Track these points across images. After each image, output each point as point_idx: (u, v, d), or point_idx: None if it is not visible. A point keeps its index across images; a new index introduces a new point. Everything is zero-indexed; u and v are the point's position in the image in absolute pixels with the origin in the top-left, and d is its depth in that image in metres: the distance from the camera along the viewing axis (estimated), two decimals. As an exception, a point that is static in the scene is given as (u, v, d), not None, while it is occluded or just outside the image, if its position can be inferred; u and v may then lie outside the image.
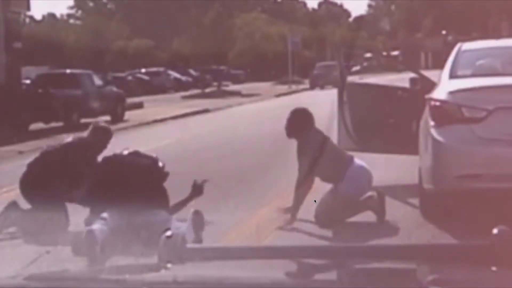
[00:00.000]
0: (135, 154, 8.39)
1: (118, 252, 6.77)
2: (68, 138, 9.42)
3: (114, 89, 27.67)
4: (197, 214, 7.74)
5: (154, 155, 8.51)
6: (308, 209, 9.03)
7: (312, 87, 47.61)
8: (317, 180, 10.89)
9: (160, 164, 8.24)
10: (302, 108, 8.92)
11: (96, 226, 7.35)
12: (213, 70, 54.38)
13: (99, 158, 8.71)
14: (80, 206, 8.23)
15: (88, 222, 7.60)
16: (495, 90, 7.89)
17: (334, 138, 10.80)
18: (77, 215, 8.19)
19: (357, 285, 2.56)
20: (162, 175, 8.17)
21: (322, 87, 45.98)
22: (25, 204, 8.76)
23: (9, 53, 25.55)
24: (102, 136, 8.99)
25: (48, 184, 8.52)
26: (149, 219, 7.58)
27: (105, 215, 7.52)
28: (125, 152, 8.35)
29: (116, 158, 8.30)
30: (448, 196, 7.99)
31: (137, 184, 7.89)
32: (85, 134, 9.18)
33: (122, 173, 8.02)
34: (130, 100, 30.06)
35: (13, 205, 8.73)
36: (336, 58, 13.35)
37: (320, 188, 10.31)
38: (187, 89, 48.77)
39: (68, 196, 8.45)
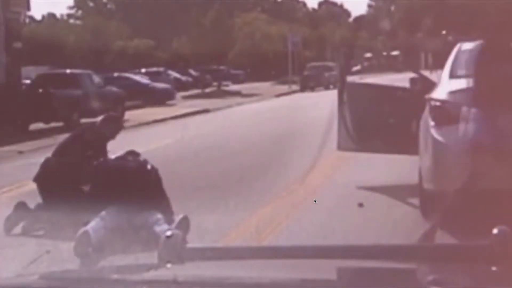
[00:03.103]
0: (123, 158, 8.38)
1: (116, 251, 6.79)
2: (79, 130, 9.48)
3: (114, 89, 27.69)
4: (185, 220, 7.71)
5: (142, 158, 8.51)
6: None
7: (302, 89, 45.87)
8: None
9: (148, 166, 8.23)
10: None
11: (92, 224, 7.37)
12: (213, 70, 54.37)
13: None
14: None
15: (86, 223, 7.61)
16: (495, 90, 7.88)
17: (334, 138, 10.84)
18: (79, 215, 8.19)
19: (357, 285, 2.56)
20: (151, 176, 8.15)
21: (313, 89, 45.68)
22: (32, 204, 8.75)
23: (9, 53, 25.57)
24: (113, 125, 9.09)
25: (63, 176, 8.58)
26: (145, 219, 7.59)
27: (103, 213, 7.54)
28: (113, 157, 8.38)
29: (106, 164, 8.33)
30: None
31: (130, 187, 7.89)
32: (96, 123, 9.22)
33: (113, 178, 8.04)
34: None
35: (22, 205, 8.72)
36: (336, 58, 13.35)
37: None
38: (187, 89, 48.76)
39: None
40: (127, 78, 37.37)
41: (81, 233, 7.18)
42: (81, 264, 6.80)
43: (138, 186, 7.95)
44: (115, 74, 38.40)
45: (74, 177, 8.64)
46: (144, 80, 38.11)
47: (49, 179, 8.78)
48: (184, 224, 7.63)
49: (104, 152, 8.87)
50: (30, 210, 8.67)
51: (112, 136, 9.08)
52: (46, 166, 9.01)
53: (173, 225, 7.52)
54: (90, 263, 6.75)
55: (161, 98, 34.68)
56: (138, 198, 7.75)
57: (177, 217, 7.76)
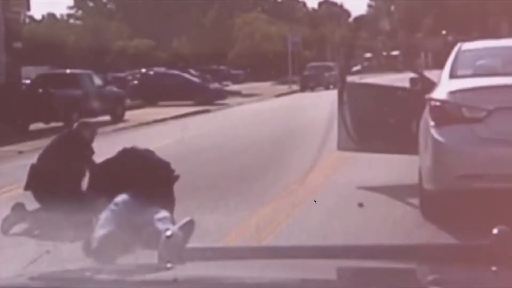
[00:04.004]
0: (152, 151, 8.50)
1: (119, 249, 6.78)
2: (58, 135, 9.48)
3: (114, 89, 27.70)
4: (190, 223, 7.62)
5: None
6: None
7: (302, 89, 45.94)
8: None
9: (172, 167, 8.33)
10: None
11: (105, 214, 7.35)
12: (213, 70, 54.41)
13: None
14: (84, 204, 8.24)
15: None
16: (495, 90, 7.89)
17: (334, 138, 10.84)
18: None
19: (357, 285, 2.56)
20: (173, 177, 8.23)
21: (313, 89, 45.70)
22: (30, 205, 8.74)
23: (9, 53, 25.57)
24: (87, 131, 9.17)
25: (51, 180, 8.56)
26: (150, 216, 7.60)
27: (119, 199, 7.53)
28: (142, 148, 8.48)
29: (135, 151, 8.41)
30: (448, 196, 7.99)
31: (149, 180, 7.93)
32: (73, 129, 9.27)
33: (138, 165, 8.10)
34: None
35: (19, 206, 8.72)
36: (336, 58, 13.33)
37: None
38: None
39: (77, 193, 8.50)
40: (178, 76, 37.41)
41: (110, 233, 7.08)
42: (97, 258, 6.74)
43: (159, 179, 8.00)
44: (161, 70, 38.60)
45: (74, 178, 8.63)
46: (196, 79, 38.01)
47: (44, 184, 8.72)
48: (188, 227, 7.55)
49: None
50: (27, 211, 8.67)
51: (90, 140, 9.12)
52: (34, 172, 8.96)
53: (176, 226, 7.48)
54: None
55: (212, 98, 34.67)
56: (152, 191, 7.78)
57: (183, 220, 7.69)
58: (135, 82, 37.74)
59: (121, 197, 7.62)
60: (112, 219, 7.38)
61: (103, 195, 7.88)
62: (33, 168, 9.03)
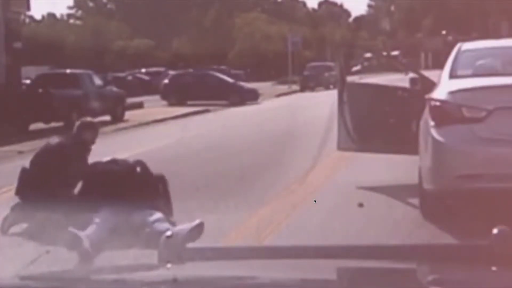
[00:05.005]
0: (112, 161, 8.44)
1: (115, 251, 6.79)
2: (55, 138, 9.38)
3: (114, 89, 27.69)
4: (200, 226, 7.55)
5: (131, 161, 8.55)
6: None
7: (302, 89, 45.92)
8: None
9: (138, 169, 8.27)
10: None
11: (88, 232, 7.35)
12: (214, 70, 54.43)
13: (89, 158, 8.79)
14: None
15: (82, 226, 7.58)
16: (495, 90, 7.89)
17: (334, 138, 10.84)
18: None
19: (357, 285, 2.56)
20: (141, 178, 8.20)
21: (313, 89, 45.69)
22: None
23: (9, 53, 25.56)
24: (88, 131, 9.04)
25: (44, 185, 8.51)
26: (143, 218, 7.59)
27: (97, 220, 7.53)
28: (104, 160, 8.44)
29: (96, 166, 8.38)
30: (448, 196, 7.99)
31: (119, 189, 7.91)
32: (73, 131, 9.20)
33: (102, 180, 8.09)
34: (130, 100, 30.11)
35: (19, 206, 8.70)
36: (336, 58, 13.34)
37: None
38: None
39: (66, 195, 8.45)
40: (211, 76, 37.36)
41: (73, 236, 7.16)
42: (80, 261, 6.81)
43: (127, 188, 7.96)
44: (200, 71, 38.69)
45: (68, 183, 8.57)
46: (230, 79, 37.79)
47: (33, 191, 8.66)
48: (198, 230, 7.48)
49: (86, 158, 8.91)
50: (27, 211, 8.65)
51: (92, 141, 9.05)
52: (25, 177, 8.92)
53: (187, 226, 7.38)
54: (89, 260, 6.77)
55: (246, 98, 34.56)
56: (128, 200, 7.75)
57: (194, 222, 7.63)
58: (166, 81, 37.49)
59: (101, 213, 7.63)
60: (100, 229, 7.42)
61: (94, 200, 7.87)
62: (24, 172, 8.99)
